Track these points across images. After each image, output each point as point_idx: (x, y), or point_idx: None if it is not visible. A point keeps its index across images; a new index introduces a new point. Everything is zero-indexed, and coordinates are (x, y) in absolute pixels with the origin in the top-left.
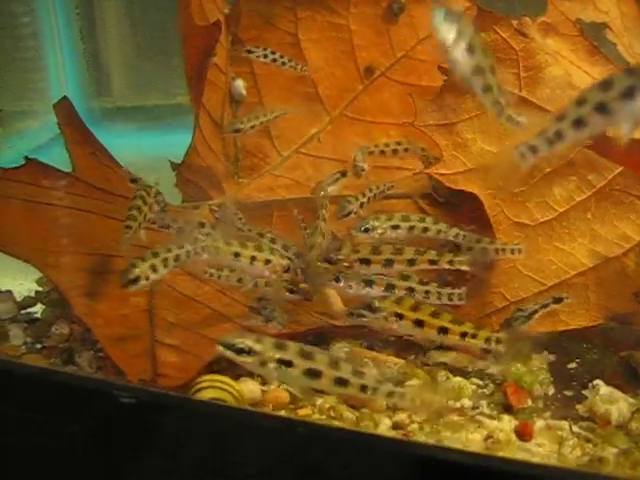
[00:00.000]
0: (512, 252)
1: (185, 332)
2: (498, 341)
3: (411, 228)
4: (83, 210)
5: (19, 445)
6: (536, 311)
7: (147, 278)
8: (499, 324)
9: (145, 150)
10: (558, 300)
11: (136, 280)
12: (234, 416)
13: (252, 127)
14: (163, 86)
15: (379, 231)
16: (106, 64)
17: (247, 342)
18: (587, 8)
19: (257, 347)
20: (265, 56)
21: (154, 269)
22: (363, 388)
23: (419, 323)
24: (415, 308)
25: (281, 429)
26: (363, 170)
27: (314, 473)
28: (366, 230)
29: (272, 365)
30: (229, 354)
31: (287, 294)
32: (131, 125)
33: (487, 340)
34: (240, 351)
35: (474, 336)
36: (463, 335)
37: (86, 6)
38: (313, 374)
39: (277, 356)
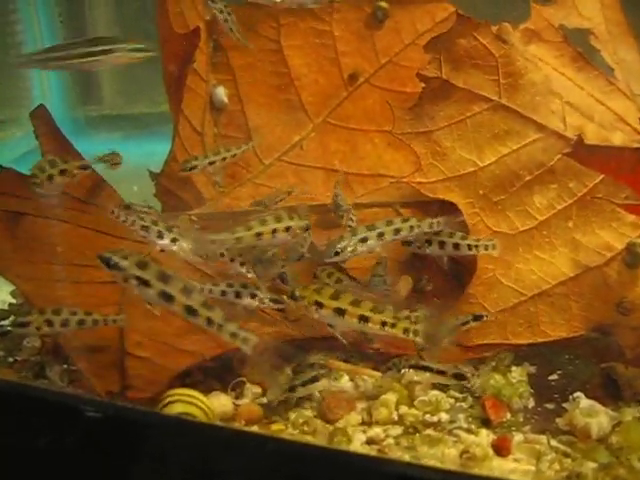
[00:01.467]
0: (486, 248)
1: (155, 343)
2: (416, 332)
3: (380, 235)
4: (58, 220)
5: None
6: (455, 327)
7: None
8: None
9: (129, 159)
10: (478, 318)
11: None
12: (202, 432)
13: (210, 164)
14: (148, 94)
15: (349, 250)
16: (91, 73)
17: (115, 258)
18: (571, 14)
19: (123, 263)
20: (221, 11)
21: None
22: (209, 321)
23: (339, 312)
24: (335, 296)
25: (252, 446)
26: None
27: None
28: (337, 254)
29: (133, 282)
30: (103, 266)
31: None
32: (116, 133)
33: (405, 331)
34: (109, 265)
35: (393, 325)
36: (383, 324)
37: (70, 14)
38: (166, 297)
39: (138, 274)
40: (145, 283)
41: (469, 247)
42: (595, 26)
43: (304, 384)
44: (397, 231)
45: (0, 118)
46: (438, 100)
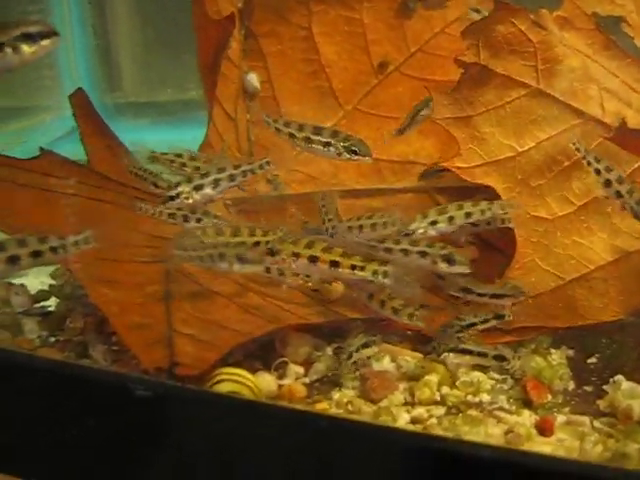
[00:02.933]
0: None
1: (202, 322)
2: (385, 274)
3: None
4: (97, 200)
5: (36, 437)
6: (474, 324)
7: None
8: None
9: (157, 145)
10: (500, 317)
11: None
12: (252, 409)
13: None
14: (175, 82)
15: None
16: (118, 60)
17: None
18: (603, 2)
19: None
20: None
21: None
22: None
23: (313, 259)
24: (309, 246)
25: (300, 422)
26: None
27: (333, 466)
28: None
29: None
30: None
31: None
32: (143, 120)
33: (374, 273)
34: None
35: (362, 268)
36: (352, 267)
37: (98, 2)
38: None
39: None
40: None
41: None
42: (627, 13)
43: (357, 350)
44: (468, 215)
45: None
46: (477, 86)
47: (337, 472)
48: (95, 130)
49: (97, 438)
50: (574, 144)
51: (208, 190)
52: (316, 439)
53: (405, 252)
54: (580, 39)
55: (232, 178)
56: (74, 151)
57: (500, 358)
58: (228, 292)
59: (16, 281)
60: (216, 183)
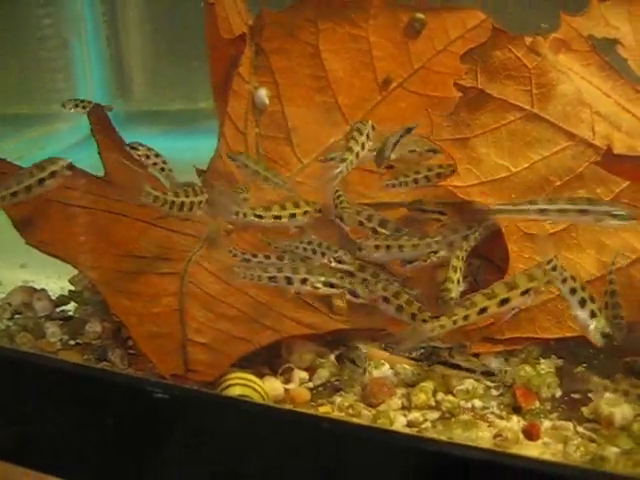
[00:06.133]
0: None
1: (214, 331)
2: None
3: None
4: (115, 213)
5: (56, 436)
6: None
7: None
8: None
9: (168, 154)
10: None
11: None
12: (262, 412)
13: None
14: (185, 92)
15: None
16: (131, 69)
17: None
18: (599, 24)
19: None
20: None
21: None
22: None
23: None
24: (267, 208)
25: (304, 424)
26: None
27: (334, 465)
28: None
29: None
30: None
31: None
32: (154, 129)
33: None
34: None
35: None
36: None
37: (112, 13)
38: None
39: None
40: None
41: None
42: (623, 36)
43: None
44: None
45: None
46: (474, 109)
47: (338, 471)
48: (111, 145)
49: (116, 437)
50: (549, 263)
51: None
52: (318, 440)
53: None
54: (576, 60)
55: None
56: (88, 158)
57: (488, 374)
58: (237, 302)
59: (37, 286)
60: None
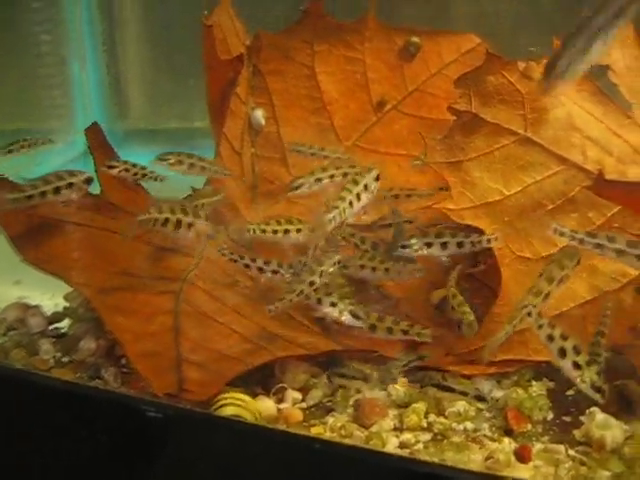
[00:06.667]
0: (488, 242)
1: (208, 351)
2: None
3: None
4: (111, 231)
5: (47, 454)
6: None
7: None
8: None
9: (165, 172)
10: (421, 358)
11: None
12: (254, 432)
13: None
14: (182, 111)
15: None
16: (128, 87)
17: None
18: None
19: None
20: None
21: None
22: None
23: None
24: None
25: (296, 444)
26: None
27: None
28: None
29: None
30: None
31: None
32: (152, 147)
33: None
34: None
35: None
36: None
37: (110, 31)
38: None
39: None
40: None
41: (472, 244)
42: (614, 62)
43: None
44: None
45: (50, 138)
46: (468, 133)
47: None
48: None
49: (108, 455)
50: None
51: None
52: (310, 460)
53: None
54: (570, 86)
55: None
56: None
57: (479, 398)
58: (231, 322)
59: (31, 302)
60: None
